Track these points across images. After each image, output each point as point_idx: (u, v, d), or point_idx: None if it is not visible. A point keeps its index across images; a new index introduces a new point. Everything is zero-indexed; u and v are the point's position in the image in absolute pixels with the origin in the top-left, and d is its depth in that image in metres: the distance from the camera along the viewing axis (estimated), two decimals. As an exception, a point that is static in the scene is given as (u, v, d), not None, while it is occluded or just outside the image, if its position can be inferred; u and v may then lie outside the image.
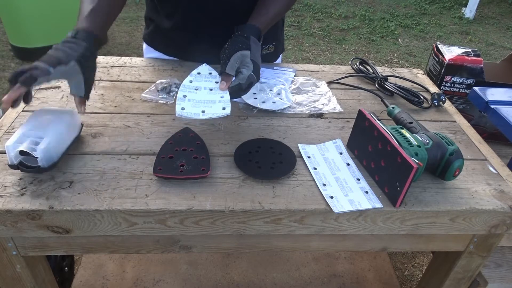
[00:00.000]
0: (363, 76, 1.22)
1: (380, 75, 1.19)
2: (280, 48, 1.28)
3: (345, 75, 1.22)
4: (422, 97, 1.10)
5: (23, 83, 0.72)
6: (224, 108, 0.85)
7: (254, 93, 1.05)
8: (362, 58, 1.29)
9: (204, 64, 0.95)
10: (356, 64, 1.27)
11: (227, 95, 0.87)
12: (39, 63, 0.75)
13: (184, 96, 0.87)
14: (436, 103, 1.09)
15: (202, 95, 0.87)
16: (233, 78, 0.89)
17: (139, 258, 1.34)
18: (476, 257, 0.91)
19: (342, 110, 1.05)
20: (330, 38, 3.91)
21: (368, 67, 1.26)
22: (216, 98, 0.87)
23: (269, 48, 1.23)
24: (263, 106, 1.01)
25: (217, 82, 0.91)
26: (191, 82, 0.91)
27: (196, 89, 0.89)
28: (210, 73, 0.93)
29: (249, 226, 0.75)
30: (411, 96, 1.10)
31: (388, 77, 1.19)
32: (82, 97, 0.82)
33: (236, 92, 0.90)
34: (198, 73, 0.93)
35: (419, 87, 1.20)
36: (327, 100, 1.08)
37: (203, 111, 0.85)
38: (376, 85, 1.16)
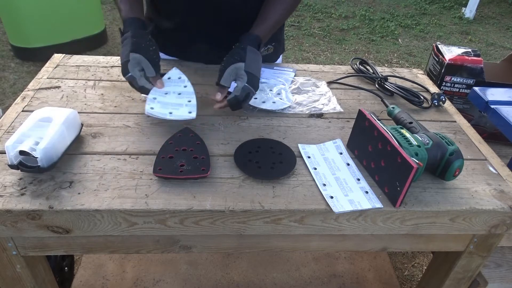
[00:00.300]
0: (363, 76, 1.22)
1: (380, 75, 1.19)
2: (280, 48, 1.28)
3: (345, 75, 1.22)
4: (422, 97, 1.10)
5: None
6: (190, 112, 0.91)
7: None
8: (362, 58, 1.29)
9: (174, 68, 1.01)
10: (356, 64, 1.27)
11: (193, 100, 0.94)
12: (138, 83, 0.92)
13: (154, 98, 0.93)
14: (436, 103, 1.09)
15: (170, 99, 0.94)
16: (230, 89, 0.95)
17: (139, 258, 1.34)
18: (476, 257, 0.91)
19: (342, 110, 1.05)
20: (330, 38, 3.91)
21: (368, 67, 1.26)
22: (183, 101, 0.93)
23: (269, 49, 1.23)
24: (263, 106, 1.01)
25: (185, 87, 0.97)
26: None
27: (166, 93, 0.95)
28: (179, 77, 0.99)
29: (249, 226, 0.75)
30: (411, 96, 1.10)
31: (388, 77, 1.19)
32: (155, 76, 0.92)
33: (234, 104, 0.93)
34: (169, 78, 0.99)
35: (419, 87, 1.20)
36: (327, 100, 1.08)
37: (170, 112, 0.91)
38: (376, 85, 1.16)
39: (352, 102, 1.10)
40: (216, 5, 1.07)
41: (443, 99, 1.09)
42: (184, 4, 1.08)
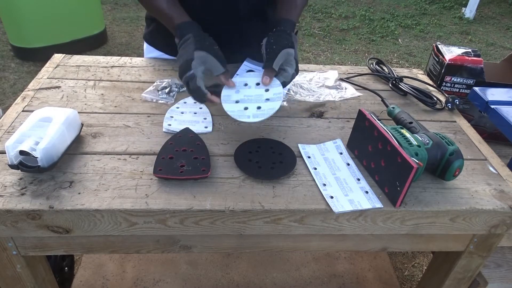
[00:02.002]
0: (378, 75, 1.24)
1: (396, 76, 1.20)
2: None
3: (357, 74, 1.24)
4: (435, 98, 1.10)
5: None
6: (206, 127, 0.94)
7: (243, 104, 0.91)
8: (378, 58, 1.31)
9: (190, 97, 0.99)
10: (373, 64, 1.29)
11: (209, 117, 0.96)
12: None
13: (171, 116, 0.96)
14: (450, 107, 1.10)
15: (187, 117, 0.96)
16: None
17: (139, 258, 1.34)
18: (476, 257, 0.91)
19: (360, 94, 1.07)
20: (330, 38, 3.91)
21: (384, 67, 1.28)
22: (199, 119, 0.96)
23: None
24: (255, 120, 0.87)
25: (201, 108, 1.00)
26: (178, 108, 1.00)
27: (182, 113, 0.98)
28: (195, 102, 1.02)
29: (249, 226, 0.75)
30: (424, 97, 1.11)
31: (403, 78, 1.20)
32: (224, 73, 0.89)
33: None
34: (185, 102, 1.02)
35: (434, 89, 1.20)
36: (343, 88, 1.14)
37: (187, 128, 0.92)
38: (390, 85, 1.17)
39: (352, 102, 1.10)
40: (218, 4, 1.06)
41: (457, 103, 1.10)
42: (185, 4, 1.08)
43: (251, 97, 0.89)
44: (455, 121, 1.06)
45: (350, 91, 1.14)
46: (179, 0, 1.03)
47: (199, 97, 0.88)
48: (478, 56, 1.50)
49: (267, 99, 0.88)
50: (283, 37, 0.91)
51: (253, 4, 1.10)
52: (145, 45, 1.26)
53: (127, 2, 4.30)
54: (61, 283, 1.17)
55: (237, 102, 0.89)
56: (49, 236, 0.74)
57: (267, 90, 0.90)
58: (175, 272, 1.31)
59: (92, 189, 0.74)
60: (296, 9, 1.01)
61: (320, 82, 1.17)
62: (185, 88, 1.07)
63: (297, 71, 0.92)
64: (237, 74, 1.13)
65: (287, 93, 1.09)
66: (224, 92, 0.91)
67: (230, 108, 0.88)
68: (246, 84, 0.91)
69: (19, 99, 0.98)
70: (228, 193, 0.76)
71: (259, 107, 0.87)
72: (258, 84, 0.91)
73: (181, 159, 0.80)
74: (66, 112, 0.82)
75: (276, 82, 0.90)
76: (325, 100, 1.09)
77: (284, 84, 0.91)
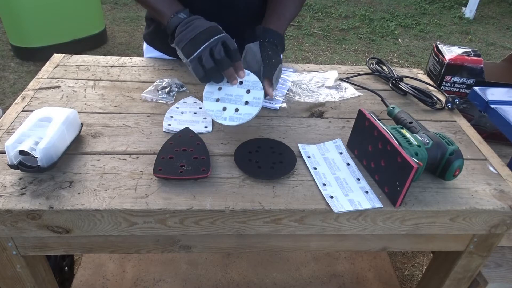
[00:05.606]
0: (378, 75, 1.23)
1: (396, 75, 1.20)
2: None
3: (357, 74, 1.24)
4: (435, 98, 1.10)
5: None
6: (206, 127, 0.93)
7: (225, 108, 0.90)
8: (378, 58, 1.31)
9: (190, 96, 1.04)
10: (373, 64, 1.29)
11: (209, 117, 0.95)
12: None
13: (171, 116, 0.96)
14: (450, 106, 1.10)
15: (187, 117, 0.96)
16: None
17: (139, 258, 1.34)
18: (476, 257, 0.91)
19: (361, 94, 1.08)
20: (330, 38, 3.91)
21: (384, 67, 1.28)
22: (199, 119, 0.96)
23: None
24: (231, 123, 0.87)
25: (200, 108, 1.00)
26: (177, 108, 1.00)
27: (182, 113, 0.98)
28: (194, 102, 1.02)
29: (249, 226, 0.75)
30: (424, 97, 1.10)
31: (403, 78, 1.20)
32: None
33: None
34: (184, 102, 1.02)
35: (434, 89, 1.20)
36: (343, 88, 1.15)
37: (187, 128, 0.92)
38: (390, 84, 1.17)
39: (352, 102, 1.10)
40: (217, 5, 1.06)
41: (457, 103, 1.10)
42: (185, 4, 1.08)
43: (231, 97, 0.88)
44: (455, 121, 1.06)
45: (350, 91, 1.14)
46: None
47: (232, 62, 0.84)
48: (478, 56, 1.50)
49: (246, 102, 0.88)
50: (277, 53, 0.93)
51: (250, 3, 1.10)
52: (145, 45, 1.26)
53: (127, 2, 4.30)
54: (61, 283, 1.17)
55: (217, 100, 0.89)
56: (49, 236, 0.74)
57: (248, 92, 0.89)
58: (175, 272, 1.31)
59: (92, 189, 0.74)
60: (285, 21, 1.01)
61: (320, 82, 1.17)
62: (184, 88, 1.07)
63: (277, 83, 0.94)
64: None
65: (286, 93, 1.09)
66: (207, 88, 0.90)
67: (209, 106, 0.88)
68: (228, 82, 0.89)
69: (19, 99, 0.98)
70: (228, 193, 0.76)
71: (237, 109, 0.87)
72: (240, 82, 0.89)
73: (181, 159, 0.80)
74: (66, 112, 0.82)
75: (259, 86, 0.89)
76: (325, 100, 1.09)
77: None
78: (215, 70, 0.83)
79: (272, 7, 1.04)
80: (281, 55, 0.96)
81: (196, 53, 0.81)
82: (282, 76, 1.17)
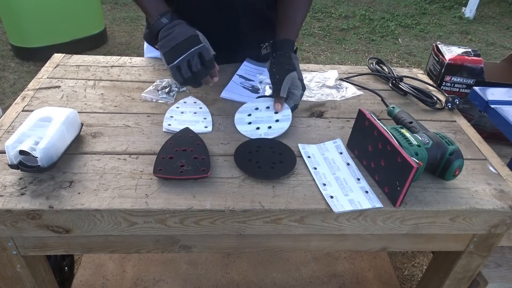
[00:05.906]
0: (378, 75, 1.23)
1: (396, 75, 1.20)
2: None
3: (357, 74, 1.23)
4: (435, 98, 1.10)
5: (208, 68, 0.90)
6: (206, 127, 0.94)
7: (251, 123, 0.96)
8: (378, 58, 1.30)
9: (190, 96, 1.05)
10: (373, 64, 1.29)
11: (209, 117, 0.97)
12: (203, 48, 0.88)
13: (171, 116, 0.96)
14: (450, 106, 1.10)
15: (187, 117, 0.97)
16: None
17: (139, 258, 1.34)
18: (476, 257, 0.91)
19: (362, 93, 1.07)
20: (330, 38, 3.91)
21: (384, 67, 1.28)
22: (199, 119, 0.96)
23: (267, 47, 1.23)
24: (266, 137, 0.92)
25: (200, 108, 1.00)
26: (177, 107, 1.00)
27: (182, 113, 0.98)
28: (195, 102, 1.03)
29: (249, 226, 0.75)
30: (424, 97, 1.10)
31: (403, 78, 1.20)
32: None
33: (294, 110, 0.98)
34: (184, 102, 1.02)
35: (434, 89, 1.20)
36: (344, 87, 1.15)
37: (187, 128, 0.93)
38: (390, 84, 1.17)
39: (352, 101, 1.10)
40: (217, 6, 1.06)
41: (457, 103, 1.10)
42: (185, 4, 1.08)
43: (262, 119, 0.95)
44: (455, 121, 1.06)
45: (350, 91, 1.14)
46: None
47: (208, 71, 0.90)
48: (478, 56, 1.50)
49: (277, 120, 0.95)
50: (284, 63, 0.95)
51: (251, 3, 1.10)
52: (145, 44, 1.26)
53: (127, 2, 4.30)
54: (61, 283, 1.17)
55: (249, 123, 0.95)
56: (49, 236, 0.74)
57: (276, 112, 0.96)
58: (175, 272, 1.31)
59: (92, 189, 0.74)
60: (295, 26, 1.03)
61: (321, 82, 1.17)
62: (184, 88, 1.07)
63: (303, 89, 0.96)
64: (237, 74, 1.13)
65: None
66: (237, 115, 0.97)
67: (243, 128, 0.94)
68: (257, 108, 0.98)
69: (19, 99, 0.98)
70: (228, 193, 0.76)
71: (269, 127, 0.93)
72: (268, 107, 0.98)
73: (181, 159, 0.80)
74: (66, 112, 0.82)
75: (285, 105, 0.97)
76: (325, 100, 1.09)
77: (295, 107, 0.98)
78: (192, 79, 0.89)
79: (282, 11, 1.05)
80: (292, 58, 0.97)
81: (175, 62, 0.87)
82: None
